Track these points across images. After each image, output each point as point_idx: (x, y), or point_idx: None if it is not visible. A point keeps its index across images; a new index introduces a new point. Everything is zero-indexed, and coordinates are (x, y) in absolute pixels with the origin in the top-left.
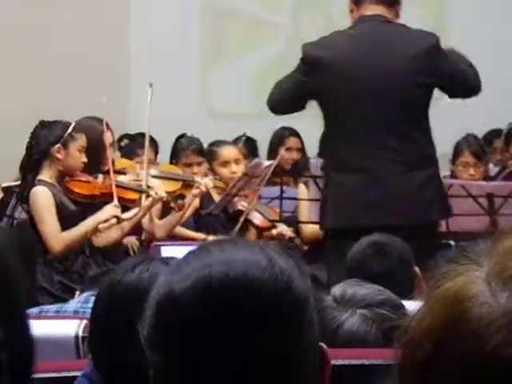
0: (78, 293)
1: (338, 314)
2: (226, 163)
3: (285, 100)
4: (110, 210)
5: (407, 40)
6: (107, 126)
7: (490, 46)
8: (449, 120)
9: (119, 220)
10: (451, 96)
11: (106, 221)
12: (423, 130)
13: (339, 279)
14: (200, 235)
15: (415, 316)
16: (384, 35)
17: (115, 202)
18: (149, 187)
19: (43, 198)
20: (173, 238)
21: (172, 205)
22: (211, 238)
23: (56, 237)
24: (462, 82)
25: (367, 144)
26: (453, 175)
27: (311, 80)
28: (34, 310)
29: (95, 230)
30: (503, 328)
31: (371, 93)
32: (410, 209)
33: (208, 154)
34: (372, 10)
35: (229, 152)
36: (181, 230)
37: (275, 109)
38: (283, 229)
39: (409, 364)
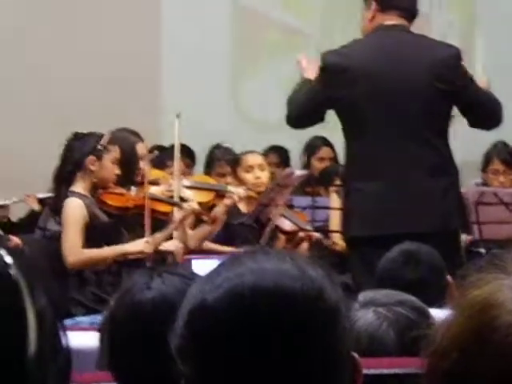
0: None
1: (355, 312)
2: (250, 168)
3: (305, 113)
4: (140, 245)
5: (428, 49)
6: (140, 137)
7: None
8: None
9: (147, 255)
10: (469, 121)
11: (132, 254)
12: (444, 138)
13: (366, 287)
14: (229, 249)
15: (442, 325)
16: (405, 43)
17: (147, 235)
18: (182, 198)
19: (73, 209)
20: (203, 252)
21: (204, 218)
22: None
23: (74, 250)
24: (483, 106)
25: (389, 151)
26: (484, 183)
27: (332, 88)
28: (68, 322)
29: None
30: None
31: (393, 100)
32: (432, 216)
33: (232, 162)
34: (394, 20)
35: (253, 158)
36: (210, 245)
37: (295, 123)
38: (312, 232)
39: (436, 373)
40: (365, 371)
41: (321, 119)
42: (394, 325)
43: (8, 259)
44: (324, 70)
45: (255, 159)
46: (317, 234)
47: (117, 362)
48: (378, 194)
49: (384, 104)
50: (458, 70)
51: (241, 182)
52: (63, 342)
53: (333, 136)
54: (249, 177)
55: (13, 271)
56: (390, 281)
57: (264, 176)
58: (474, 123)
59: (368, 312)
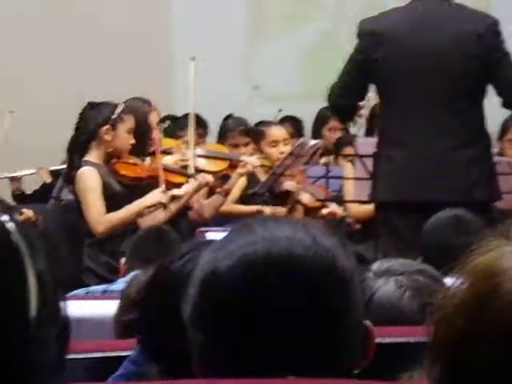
0: (122, 261)
1: (373, 282)
2: (275, 143)
3: (345, 88)
4: (157, 196)
5: (464, 18)
6: (153, 106)
7: None
8: (497, 99)
9: (165, 207)
10: (505, 100)
11: (151, 206)
12: (476, 108)
13: (386, 251)
14: (253, 207)
15: (447, 293)
16: (441, 12)
17: (162, 187)
18: (195, 168)
19: (89, 179)
20: (227, 216)
21: (218, 190)
22: (265, 208)
23: (100, 219)
24: None
25: (418, 119)
26: (501, 153)
27: (366, 55)
28: (80, 291)
29: (141, 214)
30: None
31: (424, 68)
32: (456, 186)
33: (255, 134)
34: None
35: (278, 132)
36: (234, 207)
37: (337, 102)
38: (334, 208)
39: (442, 340)
40: (386, 340)
41: (364, 91)
42: (416, 293)
43: (10, 225)
44: (358, 36)
45: (280, 134)
46: (342, 212)
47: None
48: (406, 161)
49: (414, 72)
50: (495, 42)
51: (264, 155)
52: (63, 309)
53: None
54: (273, 151)
55: (14, 237)
56: (437, 247)
57: (287, 151)
58: (507, 100)
59: (388, 281)
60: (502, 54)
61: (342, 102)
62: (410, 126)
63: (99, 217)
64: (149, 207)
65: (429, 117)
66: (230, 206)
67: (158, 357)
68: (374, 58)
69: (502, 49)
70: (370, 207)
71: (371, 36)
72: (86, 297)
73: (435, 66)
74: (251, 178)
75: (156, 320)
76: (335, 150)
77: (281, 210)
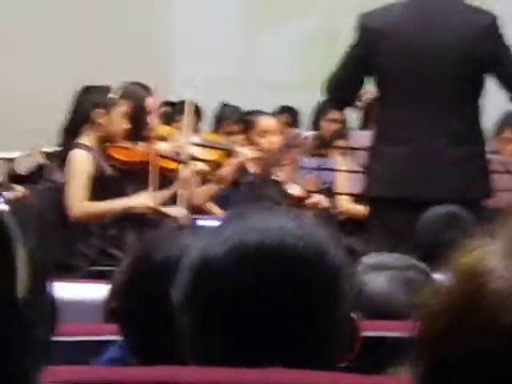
0: None
1: (364, 275)
2: (264, 133)
3: (342, 81)
4: (145, 198)
5: (465, 16)
6: (151, 91)
7: None
8: (492, 97)
9: (152, 211)
10: (509, 92)
11: (136, 208)
12: (473, 107)
13: (378, 246)
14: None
15: (433, 290)
16: (442, 8)
17: (150, 190)
18: (189, 156)
19: (79, 161)
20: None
21: (211, 177)
22: None
23: (78, 203)
24: None
25: (417, 117)
26: (495, 151)
27: (365, 50)
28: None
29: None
30: None
31: (424, 65)
32: (452, 183)
33: (245, 124)
34: None
35: (267, 122)
36: (213, 208)
37: (334, 94)
38: (318, 198)
39: (427, 337)
40: (376, 333)
41: (360, 84)
42: (408, 288)
43: (1, 205)
44: (357, 30)
45: (269, 124)
46: (326, 203)
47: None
48: (401, 157)
49: (412, 69)
50: (496, 37)
51: (253, 144)
52: (51, 291)
53: None
54: (263, 141)
55: (5, 217)
56: (430, 243)
57: (278, 141)
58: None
59: (380, 275)
60: (504, 51)
61: (339, 93)
62: (409, 123)
63: (78, 201)
64: (133, 209)
65: (428, 114)
66: (214, 208)
67: (138, 347)
68: (373, 54)
69: (504, 45)
70: (362, 209)
71: (372, 31)
72: (77, 280)
73: (436, 64)
74: (240, 168)
75: (137, 310)
76: (330, 142)
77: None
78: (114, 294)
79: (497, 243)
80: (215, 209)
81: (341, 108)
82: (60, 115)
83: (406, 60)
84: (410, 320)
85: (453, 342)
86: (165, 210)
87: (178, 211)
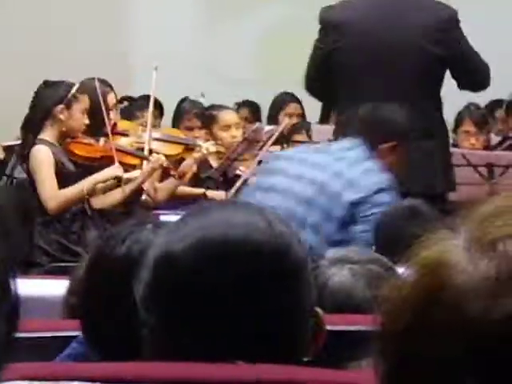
0: None
1: (327, 270)
2: (226, 127)
3: (312, 76)
4: (112, 169)
5: (424, 9)
6: (110, 87)
7: (490, 17)
8: (451, 90)
9: (121, 180)
10: (461, 84)
11: (105, 181)
12: (435, 101)
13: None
14: (199, 190)
15: (395, 284)
16: (401, 3)
17: (117, 164)
18: (151, 151)
19: (43, 156)
20: (173, 197)
21: (172, 172)
22: (210, 192)
23: (53, 195)
24: (477, 71)
25: None
26: (454, 144)
27: (326, 45)
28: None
29: (95, 191)
30: (483, 296)
31: (382, 60)
32: (413, 178)
33: (207, 118)
34: None
35: (230, 116)
36: (181, 189)
37: (311, 91)
38: None
39: (389, 332)
40: (338, 327)
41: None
42: (369, 282)
43: None
44: (320, 24)
45: (232, 118)
46: None
47: (87, 312)
48: None
49: (372, 64)
50: (454, 33)
51: (216, 139)
52: (13, 287)
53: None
54: (225, 135)
55: None
56: (391, 237)
57: (239, 135)
58: (465, 86)
59: (343, 269)
60: (460, 46)
61: (316, 84)
62: None
63: (52, 192)
64: (103, 182)
65: None
66: (186, 189)
67: (98, 343)
68: (333, 48)
69: (460, 39)
70: None
71: (331, 26)
72: (37, 276)
73: (395, 58)
74: (203, 163)
75: (96, 306)
76: (289, 136)
77: (222, 194)
78: (73, 291)
79: (459, 236)
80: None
81: (324, 99)
82: (20, 110)
83: (364, 55)
84: (373, 314)
85: (416, 338)
86: (129, 175)
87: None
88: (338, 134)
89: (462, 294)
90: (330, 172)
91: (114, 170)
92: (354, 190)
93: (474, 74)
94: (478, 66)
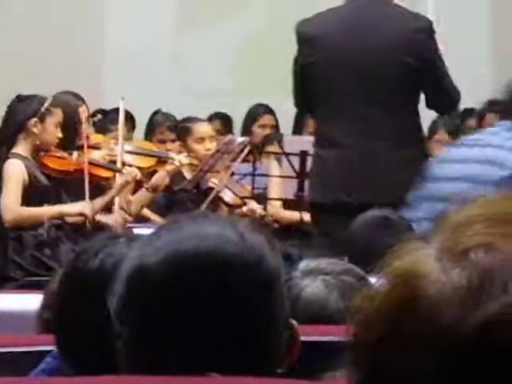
0: None
1: (300, 281)
2: (201, 139)
3: (297, 91)
4: (79, 206)
5: (398, 20)
6: (82, 100)
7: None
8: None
9: (86, 218)
10: (428, 101)
11: (71, 215)
12: (409, 111)
13: (317, 251)
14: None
15: (367, 294)
16: (376, 12)
17: (87, 199)
18: (123, 163)
19: (13, 169)
20: (142, 220)
21: (145, 185)
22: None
23: (12, 207)
24: (445, 90)
25: (350, 121)
26: (430, 154)
27: (303, 59)
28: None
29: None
30: (455, 305)
31: (357, 70)
32: (387, 187)
33: (181, 131)
34: None
35: (204, 129)
36: (146, 212)
37: (300, 107)
38: (253, 206)
39: (362, 343)
40: (311, 338)
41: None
42: (343, 293)
43: None
44: (296, 38)
45: (206, 130)
46: (260, 210)
47: (62, 326)
48: (335, 162)
49: (347, 74)
50: (427, 43)
51: (190, 151)
52: None
53: (282, 104)
54: (199, 148)
55: None
56: (364, 246)
57: (213, 147)
58: (431, 104)
59: (316, 280)
60: (433, 57)
61: (305, 106)
62: (344, 127)
63: (12, 205)
64: (68, 215)
65: (362, 118)
66: (149, 214)
67: (71, 357)
68: (309, 62)
69: (434, 51)
70: (296, 214)
71: (306, 40)
72: (11, 290)
73: (369, 68)
74: (176, 175)
75: (71, 321)
76: (261, 147)
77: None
78: (46, 305)
79: (431, 246)
80: (154, 216)
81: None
82: None
83: (340, 65)
84: (345, 325)
85: (388, 348)
86: (100, 217)
87: (113, 219)
88: (314, 140)
89: (434, 304)
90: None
91: (83, 207)
92: None
93: (441, 93)
94: (447, 87)
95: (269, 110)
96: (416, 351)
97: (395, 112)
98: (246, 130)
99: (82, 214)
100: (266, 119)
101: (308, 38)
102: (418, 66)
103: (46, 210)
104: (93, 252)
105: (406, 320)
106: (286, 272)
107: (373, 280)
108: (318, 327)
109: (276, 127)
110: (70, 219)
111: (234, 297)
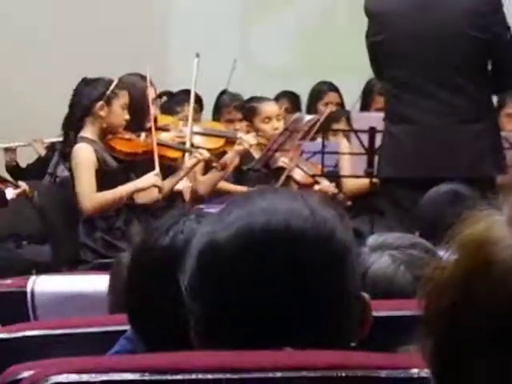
0: None
1: (368, 257)
2: (268, 119)
3: (374, 69)
4: (151, 178)
5: None
6: (150, 82)
7: None
8: None
9: (159, 189)
10: (496, 84)
11: (145, 188)
12: (478, 83)
13: (389, 226)
14: (242, 188)
15: (438, 265)
16: None
17: (157, 169)
18: (192, 145)
19: (83, 155)
20: (215, 192)
21: (214, 164)
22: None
23: (89, 196)
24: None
25: (418, 96)
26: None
27: (371, 36)
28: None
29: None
30: None
31: (424, 45)
32: (459, 162)
33: (248, 111)
34: None
35: (271, 108)
36: (223, 185)
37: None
38: (325, 185)
39: (435, 311)
40: (382, 313)
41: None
42: (411, 267)
43: None
44: (365, 15)
45: (273, 110)
46: (333, 189)
47: (134, 304)
48: (406, 138)
49: (414, 49)
50: (494, 16)
51: (257, 131)
52: None
53: (345, 81)
54: (267, 127)
55: None
56: (433, 220)
57: (281, 126)
58: (498, 79)
59: (383, 255)
60: (502, 32)
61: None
62: (415, 102)
63: (89, 193)
64: (142, 190)
65: (432, 93)
66: (221, 183)
67: (145, 336)
68: (377, 41)
69: (502, 25)
70: (365, 181)
71: (373, 16)
72: (81, 272)
73: (436, 45)
74: (245, 155)
75: (142, 301)
76: (327, 125)
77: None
78: (116, 286)
79: (502, 213)
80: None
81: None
82: (62, 108)
83: (407, 43)
84: (415, 298)
85: (462, 313)
86: (170, 184)
87: (181, 183)
88: (385, 116)
89: (507, 269)
90: None
91: (153, 179)
92: None
93: (509, 66)
94: None
95: (333, 88)
96: (490, 315)
97: (465, 86)
98: (311, 108)
99: (154, 186)
100: (331, 97)
101: (375, 15)
102: (485, 39)
103: (121, 190)
104: (163, 229)
105: (480, 284)
106: (356, 246)
107: (442, 253)
108: (387, 301)
109: (341, 104)
110: (140, 200)
111: (306, 271)
